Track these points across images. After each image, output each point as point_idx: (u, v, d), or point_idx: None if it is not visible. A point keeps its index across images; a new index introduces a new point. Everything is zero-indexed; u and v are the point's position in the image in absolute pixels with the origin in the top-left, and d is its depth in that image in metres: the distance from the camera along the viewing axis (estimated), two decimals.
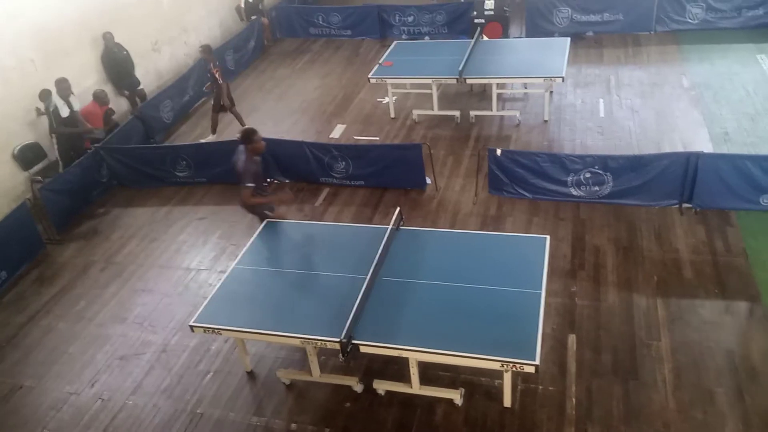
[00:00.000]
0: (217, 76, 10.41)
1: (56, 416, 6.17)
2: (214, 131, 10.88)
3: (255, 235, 6.82)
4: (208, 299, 6.03)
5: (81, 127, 9.65)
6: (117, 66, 10.94)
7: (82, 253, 8.51)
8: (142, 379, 6.43)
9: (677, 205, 7.81)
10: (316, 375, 5.97)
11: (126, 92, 11.15)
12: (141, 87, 11.26)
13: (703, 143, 8.92)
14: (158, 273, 7.95)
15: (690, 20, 12.47)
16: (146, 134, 10.71)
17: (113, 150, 9.71)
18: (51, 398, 6.36)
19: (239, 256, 6.57)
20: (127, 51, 11.10)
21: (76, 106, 9.56)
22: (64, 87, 9.34)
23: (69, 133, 9.47)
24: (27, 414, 6.24)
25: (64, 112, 9.30)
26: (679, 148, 8.71)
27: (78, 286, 7.91)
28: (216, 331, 5.77)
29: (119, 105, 11.28)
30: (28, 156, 9.46)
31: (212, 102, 10.73)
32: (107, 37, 10.85)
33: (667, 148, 8.77)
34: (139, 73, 11.46)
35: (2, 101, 9.16)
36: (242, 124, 10.68)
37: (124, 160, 9.73)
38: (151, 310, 7.33)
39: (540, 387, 5.75)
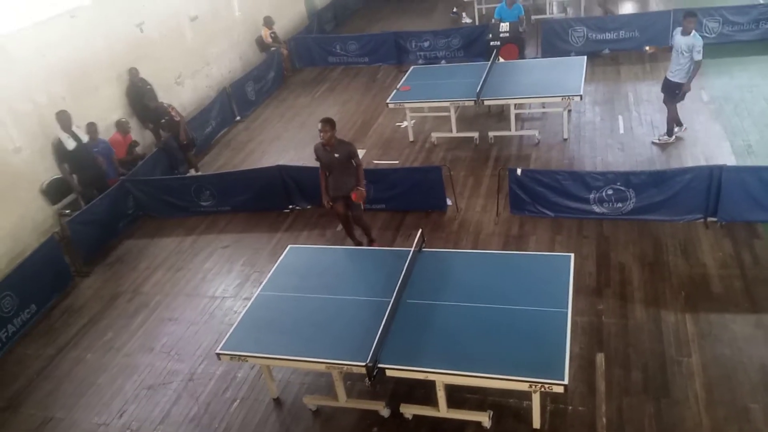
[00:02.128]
0: (173, 113, 10.62)
1: None
2: (192, 167, 11.03)
3: (278, 262, 6.88)
4: (233, 327, 6.07)
5: (93, 159, 9.62)
6: (141, 100, 11.19)
7: (110, 284, 8.63)
8: (170, 408, 6.46)
9: (702, 219, 7.72)
10: (343, 400, 5.95)
11: (150, 125, 11.38)
12: (163, 120, 11.50)
13: (725, 156, 8.84)
14: (184, 302, 8.03)
15: (707, 34, 12.40)
16: (170, 165, 10.91)
17: (139, 182, 9.90)
18: (80, 430, 6.41)
19: (263, 283, 6.62)
20: (150, 85, 11.36)
21: (84, 138, 9.59)
22: (64, 119, 9.33)
23: (68, 171, 9.50)
24: None
25: (69, 145, 9.32)
26: (702, 162, 8.62)
27: (106, 317, 8.01)
28: (242, 358, 5.80)
29: (144, 138, 11.53)
30: (55, 190, 9.67)
31: (176, 143, 10.80)
32: (132, 72, 11.15)
33: (689, 163, 8.70)
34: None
35: (36, 138, 9.43)
36: (195, 168, 10.97)
37: (149, 191, 9.91)
38: (178, 339, 7.39)
39: (570, 407, 5.66)
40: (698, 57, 8.65)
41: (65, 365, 7.31)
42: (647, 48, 10.58)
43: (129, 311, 8.03)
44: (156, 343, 7.39)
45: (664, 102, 9.43)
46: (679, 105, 10.00)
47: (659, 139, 9.48)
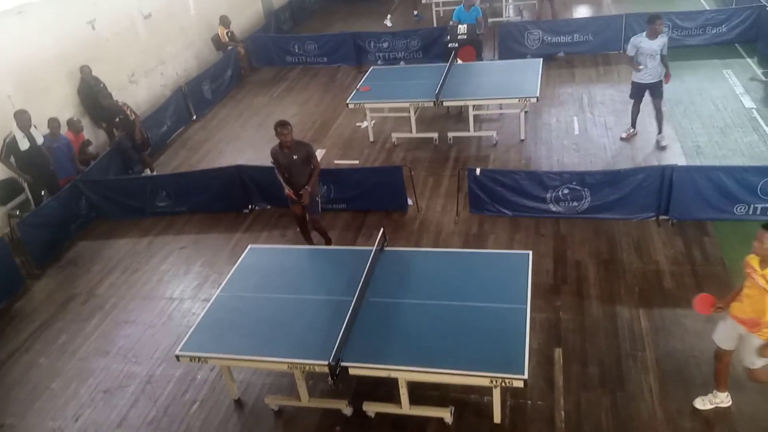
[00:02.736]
0: (128, 112, 10.47)
1: None
2: (147, 167, 10.89)
3: (238, 262, 6.81)
4: (193, 328, 5.99)
5: (44, 160, 9.31)
6: (94, 98, 10.91)
7: (63, 287, 8.40)
8: (128, 411, 6.33)
9: (654, 218, 7.96)
10: (305, 400, 5.93)
11: (104, 124, 11.12)
12: (118, 119, 11.23)
13: (676, 157, 9.12)
14: (141, 304, 7.87)
15: None
16: (125, 166, 10.67)
17: (92, 182, 9.65)
18: None
19: (223, 284, 6.54)
20: (104, 83, 11.09)
21: (39, 140, 9.27)
22: (24, 119, 9.06)
23: (14, 166, 9.21)
24: None
25: (23, 145, 9.03)
26: (653, 163, 8.89)
27: (59, 320, 7.79)
28: (202, 359, 5.72)
29: (97, 137, 11.26)
30: (4, 191, 9.36)
31: (130, 142, 10.60)
32: (84, 71, 10.86)
33: (641, 163, 8.97)
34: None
35: None
36: (150, 169, 10.86)
37: (103, 192, 9.68)
38: (135, 342, 7.24)
39: (529, 402, 5.76)
40: (665, 52, 8.99)
41: (17, 370, 7.08)
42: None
43: (83, 314, 7.83)
44: (112, 346, 7.22)
45: (635, 104, 9.63)
46: (630, 107, 10.30)
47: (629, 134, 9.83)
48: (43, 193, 9.43)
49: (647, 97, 9.40)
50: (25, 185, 9.38)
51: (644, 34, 9.07)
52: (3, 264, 8.25)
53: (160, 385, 6.57)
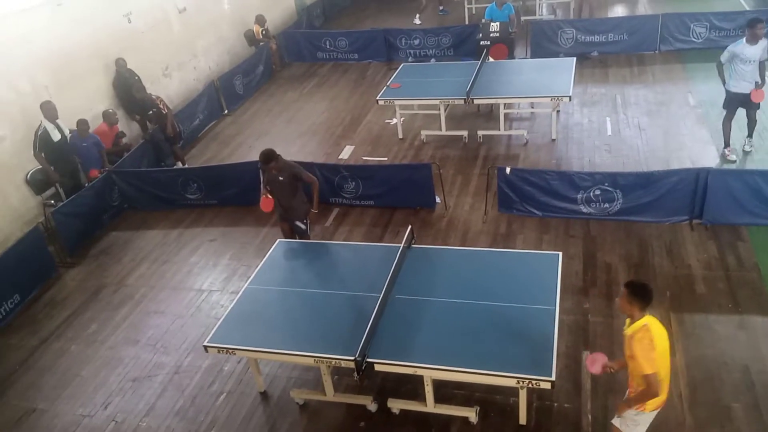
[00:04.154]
0: (161, 105, 10.56)
1: None
2: (179, 160, 10.98)
3: (267, 256, 6.86)
4: (221, 319, 6.05)
5: (71, 155, 9.48)
6: (128, 91, 11.08)
7: (94, 276, 8.55)
8: (155, 401, 6.42)
9: (688, 221, 7.81)
10: (330, 394, 5.95)
11: (137, 117, 11.28)
12: (151, 112, 11.37)
13: (711, 160, 8.95)
14: (170, 295, 7.97)
15: (694, 39, 12.58)
16: (157, 158, 10.82)
17: (124, 173, 9.81)
18: (64, 421, 6.35)
19: (251, 277, 6.59)
20: (138, 76, 11.25)
21: (66, 131, 9.45)
22: (50, 109, 9.21)
23: (45, 161, 9.31)
24: None
25: (55, 136, 9.22)
26: (688, 165, 8.72)
27: (90, 308, 7.93)
28: (230, 351, 5.78)
29: (131, 129, 11.43)
30: (40, 180, 9.55)
31: (163, 135, 10.67)
32: (120, 63, 11.03)
33: (675, 166, 8.79)
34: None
35: (18, 127, 9.30)
36: (182, 161, 10.91)
37: (135, 183, 9.82)
38: (164, 332, 7.34)
39: (555, 404, 5.71)
40: (765, 57, 8.34)
41: (48, 357, 7.23)
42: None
43: (113, 303, 7.96)
44: (141, 336, 7.33)
45: (728, 117, 8.90)
46: (665, 109, 10.11)
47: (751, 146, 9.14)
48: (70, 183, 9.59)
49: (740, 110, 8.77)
50: (55, 175, 9.50)
51: (743, 40, 8.33)
52: (37, 252, 8.43)
53: (188, 376, 6.66)
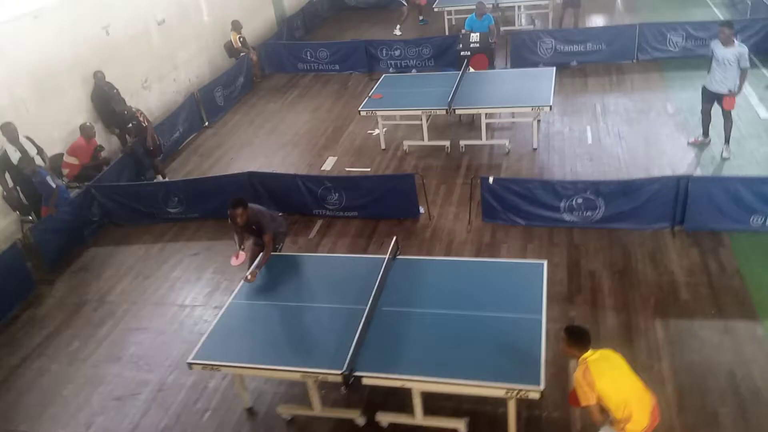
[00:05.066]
0: (140, 118, 10.49)
1: None
2: (159, 173, 10.88)
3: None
4: (205, 335, 5.97)
5: (33, 173, 8.85)
6: (107, 104, 10.96)
7: (75, 293, 8.40)
8: (140, 419, 6.30)
9: (669, 228, 7.88)
10: (318, 409, 5.89)
11: (117, 130, 11.15)
12: (130, 125, 11.25)
13: (691, 167, 9.06)
14: (152, 311, 7.86)
15: (671, 48, 12.77)
16: (137, 171, 10.70)
17: (104, 188, 9.67)
18: None
19: (235, 291, 6.53)
20: (117, 89, 11.14)
21: (32, 152, 9.07)
22: (9, 130, 8.85)
23: (8, 184, 8.94)
24: None
25: (15, 158, 8.82)
26: (668, 173, 8.80)
27: (71, 326, 7.79)
28: (214, 367, 5.70)
29: (110, 143, 11.30)
30: (17, 198, 9.36)
31: (142, 148, 10.57)
32: (98, 76, 10.91)
33: (656, 173, 8.86)
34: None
35: None
36: (162, 175, 10.82)
37: (115, 197, 9.69)
38: (146, 349, 7.22)
39: (544, 413, 5.71)
40: (745, 65, 8.64)
41: (29, 376, 7.08)
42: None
43: (95, 320, 7.83)
44: (123, 353, 7.21)
45: (705, 111, 9.34)
46: (645, 117, 10.24)
47: (696, 139, 9.55)
48: (31, 216, 9.26)
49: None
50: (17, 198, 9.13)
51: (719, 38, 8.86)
52: (16, 270, 8.27)
53: (172, 393, 6.55)
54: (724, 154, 9.17)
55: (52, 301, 8.30)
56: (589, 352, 4.50)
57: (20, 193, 9.18)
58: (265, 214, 6.94)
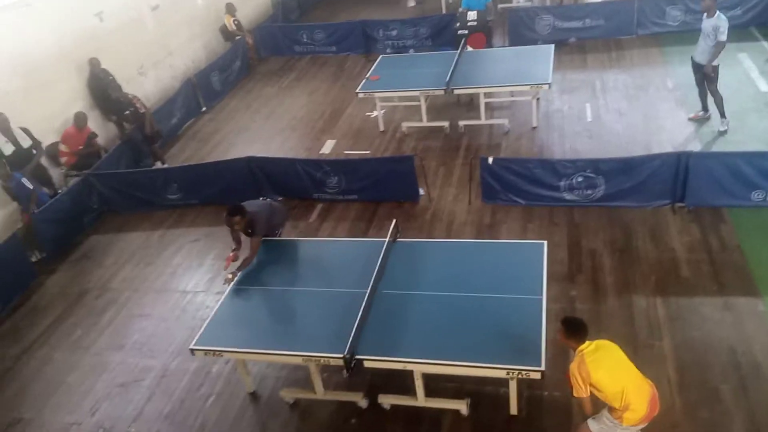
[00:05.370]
0: (138, 105, 10.41)
1: None
2: (158, 160, 10.84)
3: None
4: (207, 321, 5.99)
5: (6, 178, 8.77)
6: (103, 91, 10.89)
7: (76, 281, 8.42)
8: (144, 405, 6.35)
9: (670, 205, 7.86)
10: (320, 392, 5.92)
11: (114, 117, 11.09)
12: (128, 112, 11.17)
13: (691, 143, 9.00)
14: (154, 297, 7.88)
15: (670, 23, 12.62)
16: (135, 159, 10.67)
17: (103, 176, 9.65)
18: (52, 430, 6.27)
19: (236, 277, 6.52)
20: (113, 76, 11.06)
21: (25, 143, 9.01)
22: (0, 120, 8.80)
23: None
24: None
25: (6, 150, 8.74)
26: (668, 149, 8.74)
27: (73, 314, 7.82)
28: (217, 353, 5.72)
29: (107, 130, 11.25)
30: None
31: (141, 135, 10.52)
32: (93, 63, 10.83)
33: (656, 149, 8.81)
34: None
35: None
36: (162, 161, 10.78)
37: (114, 185, 9.67)
38: (149, 336, 7.25)
39: (545, 393, 5.73)
40: (722, 38, 8.63)
41: (32, 365, 7.12)
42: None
43: (97, 308, 7.85)
44: (127, 340, 7.25)
45: (698, 82, 9.40)
46: (644, 93, 10.15)
47: (696, 114, 9.55)
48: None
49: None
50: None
51: None
52: (17, 259, 8.29)
53: (176, 379, 6.59)
54: (721, 128, 9.14)
55: (54, 290, 8.32)
56: (586, 343, 4.51)
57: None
58: (260, 218, 6.60)
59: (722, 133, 9.10)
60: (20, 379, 6.94)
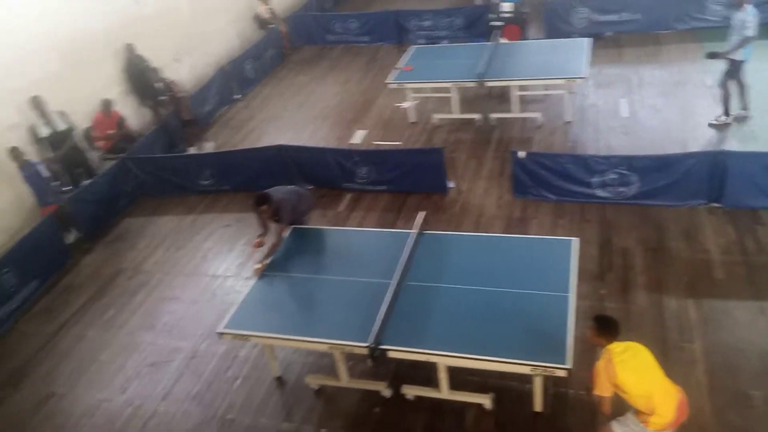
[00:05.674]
0: (174, 90, 10.56)
1: (89, 423, 6.26)
2: (192, 146, 10.98)
3: None
4: (236, 306, 6.07)
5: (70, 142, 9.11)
6: (140, 76, 11.06)
7: (110, 262, 8.61)
8: (173, 385, 6.48)
9: (705, 205, 7.71)
10: (345, 380, 5.98)
11: (150, 102, 11.26)
12: (164, 97, 11.30)
13: (729, 141, 8.81)
14: (185, 281, 8.01)
15: (711, 17, 12.31)
16: (169, 144, 10.82)
17: (138, 160, 9.82)
18: (83, 405, 6.44)
19: (265, 267, 6.58)
20: (148, 62, 11.21)
21: (61, 125, 9.29)
22: (37, 104, 9.06)
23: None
24: (60, 421, 6.32)
25: (42, 132, 9.03)
26: (705, 147, 8.60)
27: (106, 294, 8.00)
28: (244, 337, 5.81)
29: (143, 115, 11.42)
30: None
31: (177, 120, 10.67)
32: (129, 49, 11.00)
33: (692, 147, 8.65)
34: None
35: (29, 114, 9.28)
36: (205, 141, 10.93)
37: (149, 169, 9.84)
38: (180, 318, 7.39)
39: (571, 391, 5.69)
40: (747, 32, 8.47)
41: (66, 342, 7.31)
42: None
43: (129, 289, 8.02)
44: (157, 322, 7.39)
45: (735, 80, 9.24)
46: (681, 89, 9.94)
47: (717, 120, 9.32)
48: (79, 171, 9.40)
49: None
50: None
51: None
52: (53, 239, 8.50)
53: (204, 361, 6.71)
54: (713, 121, 9.18)
55: (89, 270, 8.52)
56: (615, 343, 4.47)
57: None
58: (287, 206, 6.66)
59: (744, 119, 9.03)
60: (54, 356, 7.14)
